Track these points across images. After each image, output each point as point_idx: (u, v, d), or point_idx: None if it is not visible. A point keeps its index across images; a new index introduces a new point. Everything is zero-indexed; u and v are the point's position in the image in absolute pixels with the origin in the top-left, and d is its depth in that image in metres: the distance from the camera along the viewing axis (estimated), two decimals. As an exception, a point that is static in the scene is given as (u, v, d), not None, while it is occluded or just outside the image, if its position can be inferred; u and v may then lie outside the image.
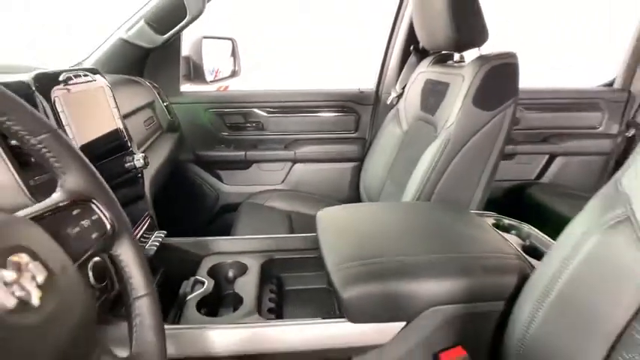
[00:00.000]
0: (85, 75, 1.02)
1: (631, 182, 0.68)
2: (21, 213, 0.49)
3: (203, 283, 1.07)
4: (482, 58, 1.44)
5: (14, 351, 0.36)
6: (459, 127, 1.41)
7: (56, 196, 0.55)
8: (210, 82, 2.14)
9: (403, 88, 1.97)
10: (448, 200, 1.46)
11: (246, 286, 1.06)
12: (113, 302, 0.88)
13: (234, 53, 2.25)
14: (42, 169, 0.78)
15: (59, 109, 0.86)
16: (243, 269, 1.14)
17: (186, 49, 2.07)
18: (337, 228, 1.14)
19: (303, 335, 0.90)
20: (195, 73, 2.09)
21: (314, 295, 1.19)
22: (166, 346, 0.61)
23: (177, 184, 2.08)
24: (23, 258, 0.40)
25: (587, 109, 2.33)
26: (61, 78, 0.91)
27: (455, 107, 1.43)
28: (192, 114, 2.16)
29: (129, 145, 1.13)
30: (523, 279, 0.88)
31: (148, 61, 1.92)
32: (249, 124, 2.22)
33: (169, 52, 1.96)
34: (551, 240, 1.07)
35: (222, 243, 1.23)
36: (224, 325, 0.91)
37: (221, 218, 2.26)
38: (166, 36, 1.77)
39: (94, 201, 0.58)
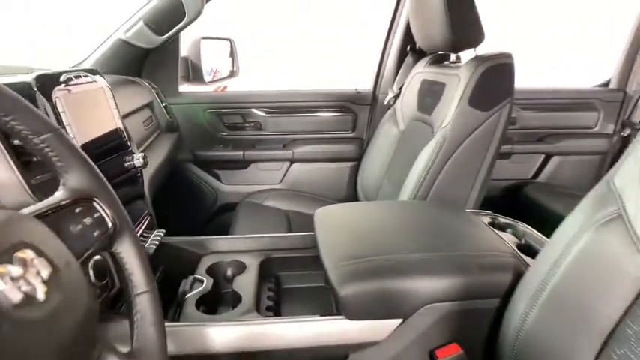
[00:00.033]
0: (86, 75, 1.03)
1: (623, 181, 0.69)
2: (26, 210, 0.50)
3: (202, 281, 1.07)
4: (477, 59, 1.46)
5: (20, 344, 0.37)
6: (455, 127, 1.42)
7: (59, 195, 0.56)
8: (209, 82, 2.15)
9: (400, 88, 1.98)
10: (445, 199, 1.47)
11: (245, 284, 1.07)
12: (113, 300, 0.90)
13: (232, 54, 2.26)
14: (43, 168, 0.80)
15: (60, 110, 0.87)
16: (241, 268, 1.15)
17: (184, 50, 2.07)
18: (334, 227, 1.15)
19: (301, 332, 0.91)
20: (194, 73, 2.10)
21: (312, 293, 1.20)
22: (166, 342, 0.62)
23: (176, 183, 2.08)
24: (29, 254, 0.41)
25: (582, 109, 2.35)
26: (61, 79, 0.92)
27: (451, 107, 1.44)
28: (191, 114, 2.17)
29: (128, 144, 1.14)
30: (518, 276, 0.89)
31: (147, 61, 1.93)
32: (247, 124, 2.24)
33: (168, 52, 1.97)
34: (546, 238, 1.08)
35: (220, 242, 1.24)
36: (223, 322, 0.92)
37: (219, 218, 2.27)
38: (165, 37, 1.78)
39: (96, 199, 0.59)
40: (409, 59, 2.12)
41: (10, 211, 0.45)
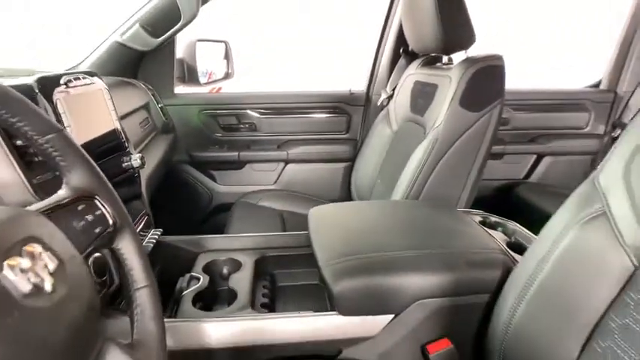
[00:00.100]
0: (84, 78, 1.05)
1: (607, 179, 0.71)
2: (32, 207, 0.52)
3: (198, 279, 1.09)
4: (468, 61, 1.48)
5: (29, 331, 0.39)
6: (447, 128, 1.44)
7: (62, 193, 0.57)
8: (204, 84, 2.17)
9: (393, 89, 2.00)
10: (436, 199, 1.49)
11: (241, 282, 1.09)
12: (112, 297, 0.92)
13: (227, 56, 2.28)
14: (44, 168, 0.82)
15: (61, 111, 0.89)
16: (237, 266, 1.16)
17: (180, 52, 2.09)
18: (328, 225, 1.17)
19: (295, 328, 0.93)
20: (189, 75, 2.11)
21: (306, 291, 1.22)
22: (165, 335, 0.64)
23: (172, 184, 2.10)
24: (36, 248, 0.43)
25: (574, 109, 2.37)
26: (62, 81, 0.94)
27: (443, 108, 1.46)
28: (187, 115, 2.18)
29: (126, 145, 1.16)
30: (507, 273, 0.90)
31: (143, 63, 1.95)
32: (242, 126, 2.25)
33: (164, 54, 1.99)
34: (535, 236, 1.10)
35: (216, 241, 1.26)
36: (219, 318, 0.93)
37: (215, 218, 2.28)
38: (161, 39, 1.80)
39: (97, 197, 0.61)
40: (402, 61, 2.14)
41: (18, 208, 0.48)
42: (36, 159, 0.80)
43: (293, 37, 8.39)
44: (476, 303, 0.96)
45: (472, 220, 1.20)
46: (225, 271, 1.17)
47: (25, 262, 0.41)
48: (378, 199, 1.78)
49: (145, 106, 1.78)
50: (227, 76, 2.29)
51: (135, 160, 1.10)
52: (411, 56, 2.06)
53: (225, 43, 2.26)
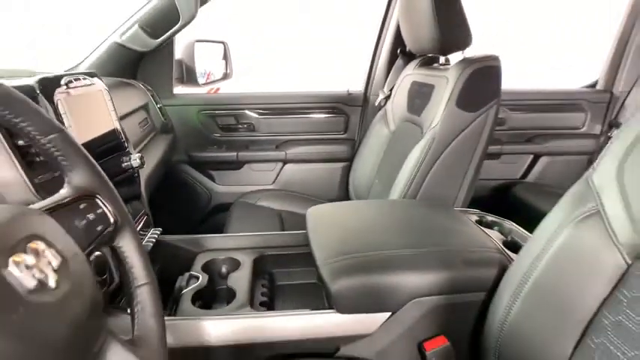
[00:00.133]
0: (84, 78, 1.06)
1: (601, 179, 0.72)
2: (35, 206, 0.53)
3: (198, 278, 1.10)
4: (465, 61, 1.49)
5: (34, 326, 0.39)
6: (443, 128, 1.46)
7: (64, 192, 0.58)
8: (203, 84, 2.18)
9: (391, 89, 2.01)
10: (433, 198, 1.50)
11: (239, 280, 1.09)
12: (112, 295, 0.93)
13: (225, 56, 2.29)
14: (46, 168, 0.83)
15: (61, 111, 0.90)
16: (236, 265, 1.17)
17: (179, 53, 2.10)
18: (326, 225, 1.18)
19: (293, 326, 0.94)
20: (188, 75, 2.12)
21: (304, 290, 1.23)
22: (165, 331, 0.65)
23: (171, 184, 2.10)
24: (40, 245, 0.44)
25: (570, 109, 2.38)
26: (62, 81, 0.95)
27: (439, 108, 1.47)
28: (185, 116, 2.19)
29: (126, 145, 1.17)
30: (503, 271, 0.91)
31: (142, 64, 1.96)
32: (240, 126, 2.26)
33: (163, 55, 2.00)
34: (531, 235, 1.11)
35: (215, 240, 1.26)
36: (218, 316, 0.94)
37: (214, 218, 2.29)
38: (160, 40, 1.80)
39: (99, 196, 0.62)
40: (399, 61, 2.15)
41: (22, 206, 0.48)
42: (37, 159, 0.81)
43: (293, 37, 8.38)
44: (472, 301, 0.96)
45: (469, 220, 1.21)
46: (224, 270, 1.18)
47: (29, 259, 0.42)
48: (375, 199, 1.79)
49: (144, 107, 1.79)
50: (225, 76, 2.30)
51: (134, 160, 1.10)
52: (409, 57, 2.07)
53: (224, 43, 2.27)
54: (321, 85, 2.32)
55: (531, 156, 2.39)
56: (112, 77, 1.71)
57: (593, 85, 2.46)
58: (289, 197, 2.15)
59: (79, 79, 1.03)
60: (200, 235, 1.27)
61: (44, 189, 0.80)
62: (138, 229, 1.14)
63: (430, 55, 1.83)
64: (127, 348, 0.55)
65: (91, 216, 0.60)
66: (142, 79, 1.96)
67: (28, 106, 0.54)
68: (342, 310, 0.94)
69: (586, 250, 0.70)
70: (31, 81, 0.88)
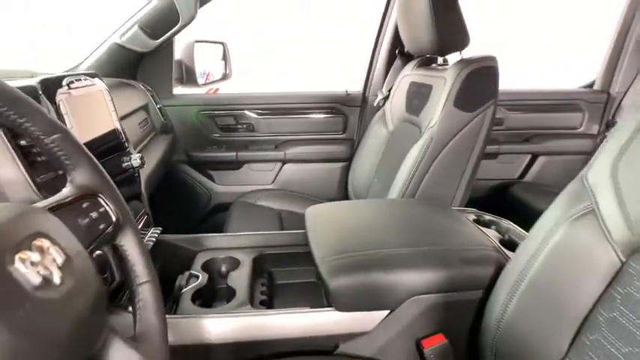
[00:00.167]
0: (85, 79, 1.07)
1: (595, 178, 0.73)
2: (39, 204, 0.54)
3: (197, 276, 1.10)
4: (463, 62, 1.50)
5: (39, 322, 0.40)
6: (441, 128, 1.47)
7: (67, 191, 0.59)
8: (202, 85, 2.19)
9: (389, 90, 2.02)
10: (431, 197, 1.51)
11: (239, 279, 1.09)
12: (113, 293, 0.93)
13: (225, 57, 2.29)
14: (47, 168, 0.84)
15: (63, 112, 0.91)
16: (235, 264, 1.17)
17: (178, 53, 2.11)
18: (325, 224, 1.18)
19: (293, 323, 0.95)
20: (187, 76, 2.13)
21: (303, 289, 1.23)
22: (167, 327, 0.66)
23: (171, 184, 2.11)
24: (45, 242, 0.45)
25: (568, 110, 2.40)
26: (64, 82, 0.96)
27: (437, 109, 1.48)
28: (185, 116, 2.20)
29: (126, 145, 1.18)
30: (499, 269, 0.92)
31: (142, 64, 1.97)
32: (240, 126, 2.27)
33: (162, 56, 2.01)
34: (527, 234, 1.12)
35: (215, 239, 1.26)
36: (218, 314, 0.95)
37: (213, 217, 2.29)
38: (159, 41, 1.81)
39: (101, 195, 0.63)
40: (398, 62, 2.17)
41: (26, 205, 0.49)
42: (39, 158, 0.82)
43: (293, 37, 8.40)
44: (469, 299, 0.97)
45: (466, 219, 1.21)
46: (223, 269, 1.18)
47: (34, 256, 0.42)
48: (374, 199, 1.79)
49: (144, 107, 1.80)
50: (225, 77, 2.31)
51: (135, 160, 1.11)
52: (407, 57, 2.09)
53: (223, 44, 2.28)
54: (321, 85, 2.32)
55: (529, 156, 2.40)
56: (112, 78, 1.72)
57: (591, 86, 2.47)
58: (288, 197, 2.15)
59: (80, 79, 1.04)
60: (200, 235, 1.27)
61: (46, 188, 0.80)
62: (138, 228, 1.15)
63: (428, 55, 1.85)
64: (129, 344, 0.56)
65: (93, 214, 0.61)
66: (141, 80, 1.97)
67: (32, 107, 0.55)
68: (341, 308, 0.94)
69: (581, 248, 0.71)
70: (33, 82, 0.89)
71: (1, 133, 0.76)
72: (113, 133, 1.13)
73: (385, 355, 0.98)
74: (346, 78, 2.56)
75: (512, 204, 2.23)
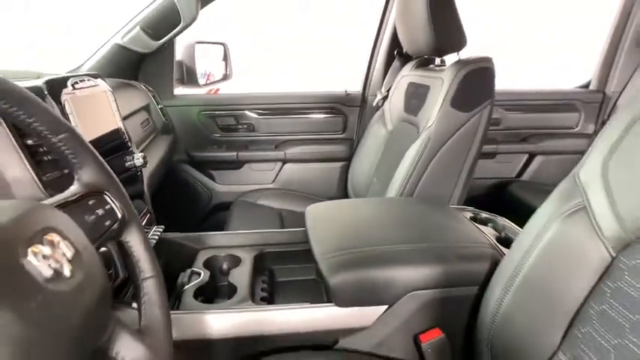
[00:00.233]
0: (89, 80, 1.09)
1: (587, 175, 0.75)
2: (48, 201, 0.56)
3: (199, 274, 1.11)
4: (459, 63, 1.52)
5: (51, 313, 0.41)
6: (439, 128, 1.48)
7: (74, 188, 0.61)
8: (203, 85, 2.20)
9: (388, 90, 2.04)
10: (430, 196, 1.53)
11: (240, 277, 1.11)
12: (117, 290, 0.95)
13: (225, 57, 2.31)
14: (53, 166, 0.86)
15: (68, 111, 0.93)
16: (236, 261, 1.18)
17: (179, 54, 2.12)
18: (325, 221, 1.20)
19: (293, 319, 0.96)
20: (188, 76, 2.14)
21: (304, 286, 1.24)
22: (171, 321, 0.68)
23: (172, 183, 2.12)
24: (55, 237, 0.47)
25: (564, 110, 2.41)
26: (68, 83, 0.98)
27: (435, 109, 1.50)
28: (186, 116, 2.21)
29: (129, 145, 1.19)
30: (495, 266, 0.93)
31: (143, 65, 1.98)
32: (240, 126, 2.28)
33: (163, 56, 2.02)
34: (522, 231, 1.14)
35: (216, 237, 1.27)
36: (220, 310, 0.96)
37: (214, 216, 2.31)
38: (161, 42, 1.83)
39: (107, 193, 0.65)
40: (396, 63, 2.18)
41: (36, 202, 0.51)
42: (45, 158, 0.84)
43: (293, 37, 8.39)
44: (466, 294, 0.99)
45: (463, 217, 1.23)
46: (225, 266, 1.19)
47: (46, 250, 0.44)
48: (373, 197, 1.81)
49: (146, 107, 1.82)
50: (225, 77, 2.32)
51: (137, 159, 1.13)
52: (405, 58, 2.10)
53: (224, 45, 2.29)
54: (321, 85, 2.34)
55: (526, 155, 2.42)
56: (114, 78, 1.74)
57: (587, 86, 2.49)
58: (289, 196, 2.17)
59: (84, 80, 1.06)
60: (201, 233, 1.28)
61: (52, 186, 0.82)
62: (143, 225, 1.16)
63: (426, 56, 1.87)
64: (135, 337, 0.57)
65: (99, 211, 0.62)
66: (143, 80, 1.99)
67: (40, 107, 0.57)
68: (341, 304, 0.96)
69: (573, 244, 0.73)
70: (38, 82, 0.91)
71: (9, 132, 0.78)
72: (116, 133, 1.15)
73: (384, 350, 0.99)
74: (346, 78, 2.57)
75: (509, 202, 2.25)
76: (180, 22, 1.75)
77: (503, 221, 1.24)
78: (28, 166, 0.79)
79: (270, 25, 8.49)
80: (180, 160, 2.24)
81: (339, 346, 0.99)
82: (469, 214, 1.29)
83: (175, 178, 2.21)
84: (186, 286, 1.06)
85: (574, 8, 8.06)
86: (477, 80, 1.50)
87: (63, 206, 0.57)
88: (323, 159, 2.32)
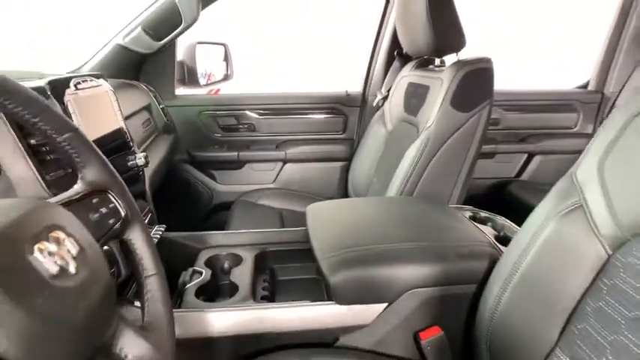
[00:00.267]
0: (91, 80, 1.10)
1: (583, 174, 0.76)
2: (53, 200, 0.57)
3: (201, 273, 1.11)
4: (459, 63, 1.53)
5: (57, 308, 0.42)
6: (438, 128, 1.49)
7: (78, 187, 0.62)
8: (204, 85, 2.20)
9: (388, 90, 2.05)
10: (429, 195, 1.53)
11: (241, 275, 1.11)
12: (120, 288, 0.96)
13: (226, 58, 2.31)
14: (57, 166, 0.86)
15: (71, 111, 0.94)
16: (238, 261, 1.19)
17: (180, 54, 2.13)
18: (325, 221, 1.20)
19: (294, 317, 0.97)
20: (189, 77, 2.15)
21: (304, 285, 1.24)
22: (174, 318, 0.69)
23: (173, 183, 2.13)
24: (60, 234, 0.48)
25: (563, 110, 2.42)
26: (71, 83, 0.99)
27: (434, 109, 1.51)
28: (187, 116, 2.22)
29: (131, 145, 1.20)
30: (494, 264, 0.94)
31: (144, 65, 1.99)
32: (241, 126, 2.29)
33: (165, 57, 2.03)
34: (520, 229, 1.15)
35: (218, 237, 1.28)
36: (221, 308, 0.97)
37: (215, 216, 2.31)
38: (162, 42, 1.84)
39: (110, 191, 0.66)
40: (396, 63, 2.19)
41: (40, 200, 0.52)
42: (49, 157, 0.85)
43: (293, 37, 8.39)
44: (465, 292, 0.99)
45: (462, 216, 1.24)
46: (226, 265, 1.19)
47: (51, 247, 0.45)
48: (373, 196, 1.81)
49: (147, 108, 1.82)
50: (226, 77, 2.32)
51: (139, 159, 1.14)
52: (405, 59, 2.11)
53: (225, 45, 2.30)
54: (321, 85, 2.35)
55: (525, 155, 2.43)
56: (115, 78, 1.74)
57: (585, 86, 2.49)
58: (289, 196, 2.17)
59: (87, 80, 1.07)
60: (203, 232, 1.28)
61: (55, 186, 0.83)
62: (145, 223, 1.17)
63: (426, 57, 1.87)
64: (138, 334, 0.58)
65: (103, 210, 0.63)
66: (144, 81, 2.00)
67: (44, 107, 0.57)
68: (341, 302, 0.97)
69: (570, 242, 0.74)
70: (42, 82, 0.92)
71: (13, 132, 0.79)
72: (119, 133, 1.16)
73: (384, 347, 1.00)
74: (346, 78, 2.58)
75: (509, 202, 2.26)
76: (181, 23, 1.76)
77: (502, 220, 1.24)
78: (32, 165, 0.80)
79: (270, 25, 8.50)
80: (182, 160, 2.24)
81: (340, 343, 1.00)
82: (468, 214, 1.29)
83: (177, 178, 2.22)
84: (188, 285, 1.07)
85: (574, 8, 8.06)
86: (476, 80, 1.51)
87: (67, 204, 0.58)
88: (323, 159, 2.33)
